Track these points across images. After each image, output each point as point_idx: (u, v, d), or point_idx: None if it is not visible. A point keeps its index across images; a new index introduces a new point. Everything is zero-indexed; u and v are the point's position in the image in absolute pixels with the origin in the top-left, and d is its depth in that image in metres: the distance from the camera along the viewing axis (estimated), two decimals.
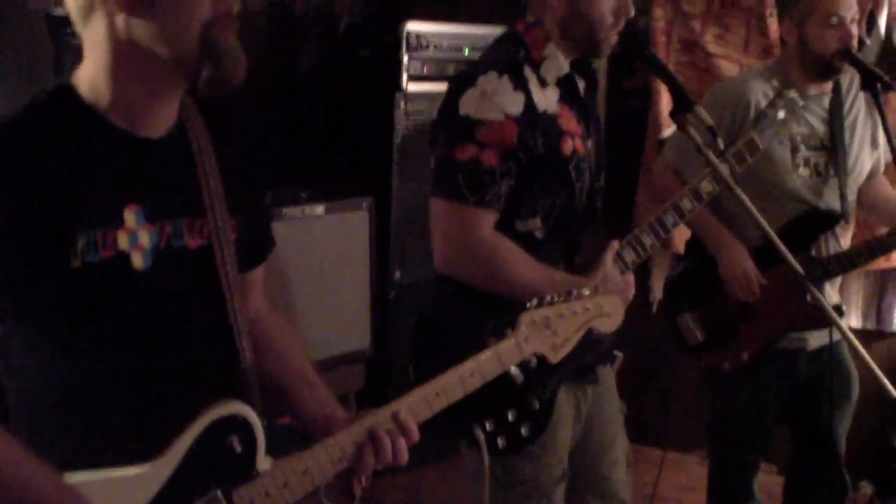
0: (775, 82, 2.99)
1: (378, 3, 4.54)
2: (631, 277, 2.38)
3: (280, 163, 4.11)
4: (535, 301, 1.72)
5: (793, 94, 2.61)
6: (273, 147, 4.06)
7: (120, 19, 1.44)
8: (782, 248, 2.18)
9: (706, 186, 2.45)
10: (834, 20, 2.88)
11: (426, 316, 2.43)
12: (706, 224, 3.02)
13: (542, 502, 2.41)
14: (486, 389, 2.20)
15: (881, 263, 4.07)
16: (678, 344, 3.19)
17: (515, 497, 2.39)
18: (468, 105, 2.22)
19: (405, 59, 3.93)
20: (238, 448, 1.53)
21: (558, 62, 2.32)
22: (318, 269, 3.88)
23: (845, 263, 2.99)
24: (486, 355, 1.68)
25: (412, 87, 3.97)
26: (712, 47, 4.26)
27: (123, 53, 1.46)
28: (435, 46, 4.01)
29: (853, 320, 4.22)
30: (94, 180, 1.47)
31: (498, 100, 2.21)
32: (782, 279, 2.92)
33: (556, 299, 1.73)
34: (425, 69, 4.01)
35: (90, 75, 1.49)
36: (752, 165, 2.65)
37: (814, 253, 2.98)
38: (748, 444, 3.25)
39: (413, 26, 3.94)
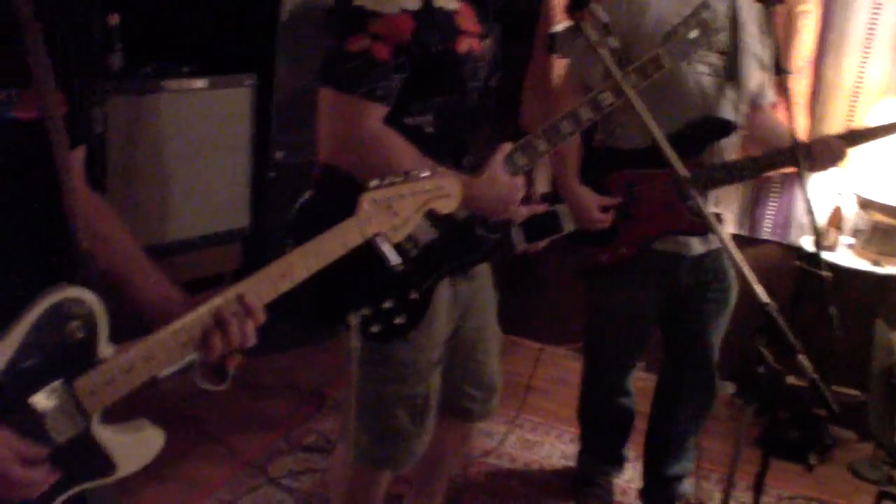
0: None
1: None
2: (520, 180, 2.36)
3: (162, 35, 3.98)
4: (376, 181, 1.70)
5: (706, 14, 2.59)
6: (153, 18, 3.93)
7: None
8: (671, 156, 2.17)
9: (607, 98, 2.42)
10: None
11: (307, 203, 2.40)
12: (562, 164, 3.07)
13: (417, 385, 2.45)
14: (366, 277, 2.21)
15: None
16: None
17: (391, 379, 2.43)
18: None
19: None
20: (79, 334, 1.48)
21: None
22: (198, 144, 3.81)
23: (732, 174, 3.04)
24: (327, 235, 1.66)
25: None
26: None
27: None
28: None
29: (729, 227, 4.33)
30: None
31: None
32: (667, 182, 2.99)
33: (396, 180, 1.72)
34: None
35: None
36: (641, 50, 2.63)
37: (703, 160, 3.02)
38: (624, 343, 3.33)
39: None
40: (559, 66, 4.32)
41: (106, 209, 1.75)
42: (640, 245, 3.10)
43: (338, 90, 2.20)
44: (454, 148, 2.35)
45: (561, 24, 4.30)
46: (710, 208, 3.12)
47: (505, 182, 2.32)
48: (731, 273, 3.22)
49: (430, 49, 2.20)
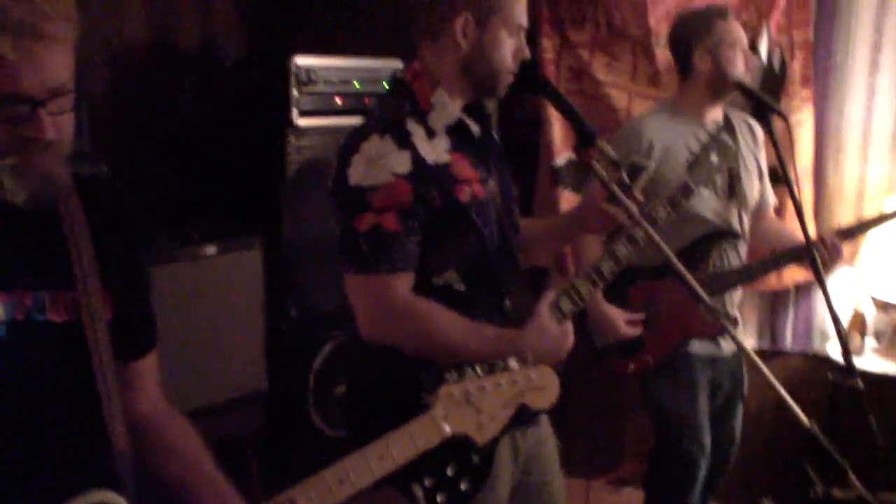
0: (669, 114, 3.27)
1: (264, 38, 4.49)
2: (569, 326, 2.33)
3: (169, 202, 4.02)
4: (454, 374, 1.59)
5: (725, 137, 2.70)
6: (154, 213, 3.97)
7: None
8: (687, 276, 2.19)
9: (640, 233, 2.44)
10: (740, 46, 3.17)
11: (357, 381, 2.38)
12: None
13: None
14: None
15: (773, 285, 4.17)
16: (587, 346, 3.29)
17: None
18: (356, 174, 2.19)
19: (295, 93, 3.88)
20: None
21: (447, 110, 2.28)
22: (212, 310, 3.80)
23: (744, 277, 3.27)
24: (397, 437, 1.53)
25: (302, 121, 3.92)
26: (601, 75, 4.30)
27: None
28: (324, 81, 3.97)
29: (749, 341, 4.28)
30: None
31: (384, 162, 2.17)
32: (685, 291, 3.02)
33: (478, 372, 1.59)
34: (315, 104, 3.96)
35: None
36: (658, 188, 2.70)
37: (715, 265, 3.21)
38: (691, 449, 3.35)
39: (302, 60, 3.89)
40: (565, 198, 4.34)
41: (182, 423, 1.73)
42: (667, 351, 3.26)
43: (359, 272, 2.21)
44: (490, 298, 2.33)
45: (562, 157, 4.35)
46: (730, 311, 3.33)
47: (554, 331, 2.29)
48: (744, 369, 3.45)
49: (434, 204, 2.21)
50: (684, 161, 2.93)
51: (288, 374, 4.04)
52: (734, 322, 3.29)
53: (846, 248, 3.26)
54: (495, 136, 2.50)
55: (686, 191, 2.60)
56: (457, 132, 2.30)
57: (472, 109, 2.37)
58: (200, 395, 3.79)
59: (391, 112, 2.28)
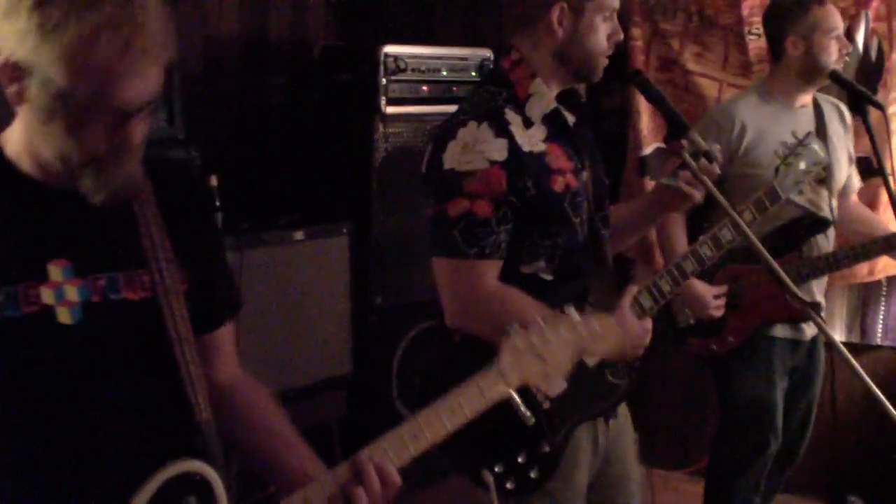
0: (771, 107, 3.21)
1: (354, 26, 4.53)
2: (649, 323, 2.33)
3: (261, 190, 4.08)
4: (516, 326, 1.60)
5: (815, 144, 2.65)
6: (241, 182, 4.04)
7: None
8: (775, 266, 2.14)
9: (726, 235, 2.43)
10: (835, 33, 3.11)
11: (434, 367, 2.40)
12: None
13: None
14: (497, 430, 2.16)
15: (864, 277, 4.08)
16: (668, 327, 3.31)
17: None
18: (452, 159, 2.18)
19: (383, 81, 3.91)
20: None
21: (544, 99, 2.27)
22: (299, 295, 3.85)
23: (831, 263, 3.22)
24: (465, 388, 1.54)
25: (390, 109, 3.95)
26: (691, 65, 4.26)
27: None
28: (413, 69, 3.99)
29: (838, 334, 4.20)
30: (12, 235, 1.45)
31: (480, 148, 2.16)
32: (768, 276, 3.01)
33: (542, 324, 1.59)
34: (403, 92, 3.99)
35: (18, 137, 1.48)
36: (749, 174, 2.69)
37: (804, 251, 3.19)
38: (764, 428, 3.33)
39: (391, 49, 3.92)
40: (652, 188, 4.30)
41: (260, 390, 1.75)
42: (749, 333, 3.26)
43: (449, 256, 2.21)
44: (575, 292, 2.31)
45: (650, 147, 4.31)
46: (816, 297, 3.30)
47: (635, 326, 2.29)
48: (822, 356, 3.44)
49: (528, 194, 2.20)
50: (773, 150, 2.89)
51: (372, 361, 4.08)
52: (818, 308, 3.25)
53: None
54: (589, 126, 2.49)
55: (774, 197, 2.59)
56: (552, 121, 2.30)
57: (566, 98, 2.37)
58: (287, 379, 3.84)
59: (489, 100, 2.27)
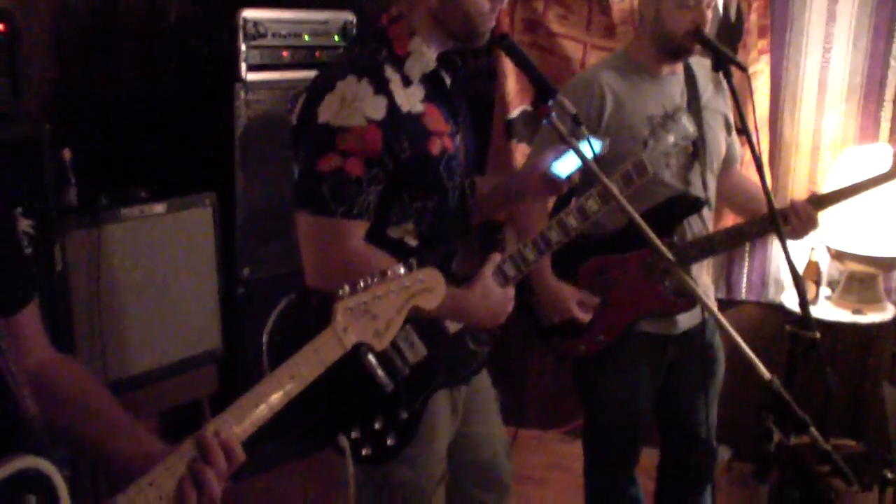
0: (622, 71, 3.00)
1: None
2: (511, 291, 2.31)
3: (116, 162, 3.94)
4: (346, 288, 1.60)
5: (684, 118, 2.59)
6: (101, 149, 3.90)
7: None
8: (656, 242, 2.10)
9: (592, 206, 2.40)
10: (691, 2, 2.87)
11: (284, 322, 2.33)
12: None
13: None
14: (354, 396, 2.12)
15: None
16: (533, 328, 3.14)
17: (395, 501, 2.33)
18: (327, 112, 2.11)
19: (243, 48, 3.79)
20: None
21: (423, 58, 2.22)
22: (163, 270, 3.73)
23: (707, 248, 3.00)
24: (302, 354, 1.55)
25: (251, 76, 3.84)
26: (555, 27, 4.25)
27: None
28: (273, 34, 3.88)
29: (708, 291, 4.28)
30: None
31: (359, 105, 2.10)
32: (638, 265, 2.96)
33: (370, 282, 1.61)
34: (264, 58, 3.88)
35: None
36: (612, 146, 2.61)
37: (678, 237, 2.98)
38: (626, 432, 3.19)
39: (249, 14, 3.81)
40: (521, 151, 4.31)
41: (76, 369, 1.66)
42: (621, 331, 3.03)
43: (315, 213, 2.14)
44: (440, 259, 2.28)
45: (516, 110, 4.31)
46: (701, 280, 3.12)
47: (498, 294, 2.26)
48: (718, 341, 3.18)
49: (403, 156, 2.15)
50: (638, 123, 2.85)
51: (242, 334, 4.00)
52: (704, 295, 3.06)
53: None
54: (462, 89, 2.44)
55: (641, 170, 2.53)
56: (431, 82, 2.25)
57: (444, 60, 2.31)
58: (155, 357, 3.74)
59: (369, 56, 2.20)
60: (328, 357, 1.57)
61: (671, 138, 2.57)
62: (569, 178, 2.38)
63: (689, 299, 2.94)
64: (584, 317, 2.95)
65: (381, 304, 1.62)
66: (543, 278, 2.97)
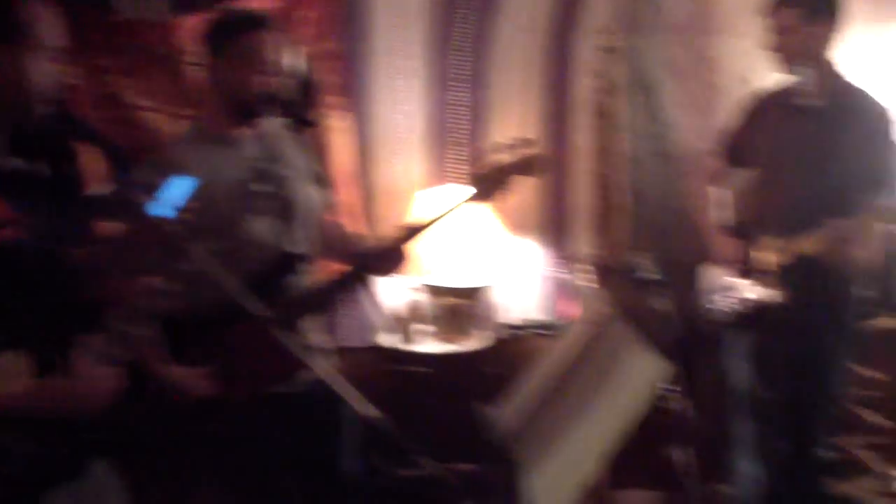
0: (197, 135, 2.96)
1: None
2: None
3: None
4: None
5: (267, 165, 2.52)
6: None
7: None
8: (251, 307, 2.07)
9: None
10: (257, 66, 2.87)
11: None
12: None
13: None
14: None
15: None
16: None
17: None
18: None
19: None
20: None
21: None
22: None
23: (310, 306, 2.95)
24: None
25: None
26: (135, 100, 4.17)
27: None
28: None
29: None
30: None
31: None
32: (256, 331, 2.76)
33: None
34: None
35: None
36: (208, 218, 2.55)
37: (282, 296, 2.86)
38: None
39: None
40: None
41: None
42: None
43: None
44: None
45: (96, 186, 4.16)
46: (315, 336, 3.04)
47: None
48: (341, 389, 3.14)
49: None
50: (223, 193, 2.81)
51: None
52: (318, 351, 2.96)
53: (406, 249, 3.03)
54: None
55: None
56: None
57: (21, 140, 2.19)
58: None
59: None
60: None
61: (258, 187, 2.58)
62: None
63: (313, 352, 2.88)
64: (207, 390, 2.77)
65: None
66: (157, 367, 2.73)
